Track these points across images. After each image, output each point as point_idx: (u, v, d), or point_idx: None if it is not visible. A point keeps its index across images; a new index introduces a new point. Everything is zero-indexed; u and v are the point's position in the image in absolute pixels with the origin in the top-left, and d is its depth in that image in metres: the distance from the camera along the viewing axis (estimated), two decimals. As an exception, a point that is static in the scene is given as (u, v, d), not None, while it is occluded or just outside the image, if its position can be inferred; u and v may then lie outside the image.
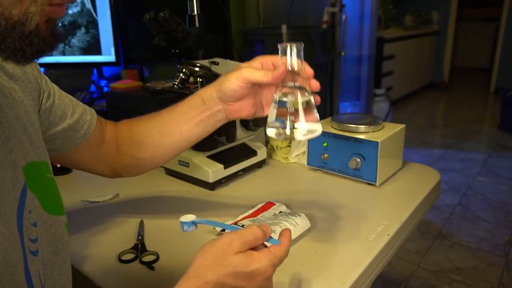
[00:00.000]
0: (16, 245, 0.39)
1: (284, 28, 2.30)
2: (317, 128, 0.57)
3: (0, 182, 0.39)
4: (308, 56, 0.53)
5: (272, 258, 0.46)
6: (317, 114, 0.57)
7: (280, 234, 0.50)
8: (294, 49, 0.55)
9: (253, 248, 0.47)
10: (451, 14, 5.62)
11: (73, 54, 1.54)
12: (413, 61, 5.18)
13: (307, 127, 0.55)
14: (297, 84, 0.56)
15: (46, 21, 0.36)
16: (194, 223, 0.53)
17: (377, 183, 0.88)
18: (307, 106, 0.56)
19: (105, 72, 1.77)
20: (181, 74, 0.91)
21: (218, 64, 0.92)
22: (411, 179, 0.94)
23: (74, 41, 1.53)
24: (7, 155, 0.42)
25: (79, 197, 0.87)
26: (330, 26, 2.56)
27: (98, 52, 1.55)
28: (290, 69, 0.55)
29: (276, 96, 0.56)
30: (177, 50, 0.88)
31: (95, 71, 1.73)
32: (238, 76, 0.58)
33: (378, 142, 0.85)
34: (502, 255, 1.96)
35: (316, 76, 0.59)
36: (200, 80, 0.96)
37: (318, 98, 0.58)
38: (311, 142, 0.96)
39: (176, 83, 0.91)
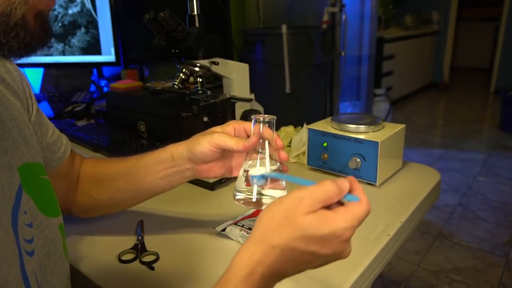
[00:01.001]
0: (11, 245, 0.39)
1: (284, 28, 2.30)
2: (283, 195, 0.59)
3: None
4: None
5: (349, 219, 0.40)
6: (284, 182, 0.59)
7: (353, 188, 0.43)
8: (267, 122, 0.57)
9: (328, 207, 0.41)
10: (451, 14, 5.62)
11: (73, 54, 1.54)
12: (413, 61, 5.18)
13: (273, 195, 0.57)
14: (266, 153, 0.58)
15: (36, 15, 0.35)
16: (263, 176, 0.54)
17: (377, 183, 0.88)
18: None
19: (105, 72, 1.77)
20: (181, 74, 0.91)
21: (218, 64, 0.92)
22: (411, 179, 0.94)
23: (74, 41, 1.53)
24: (2, 155, 0.42)
25: (79, 197, 0.87)
26: (330, 26, 2.56)
27: (98, 52, 1.55)
28: (261, 140, 0.58)
29: (246, 164, 0.59)
30: (177, 50, 0.88)
31: (95, 71, 1.73)
32: (210, 141, 0.59)
33: (378, 142, 0.85)
34: (502, 255, 1.96)
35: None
36: (200, 80, 0.96)
37: (286, 167, 0.60)
38: (311, 142, 0.96)
39: (176, 83, 0.91)
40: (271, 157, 0.58)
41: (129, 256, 0.66)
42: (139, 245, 0.69)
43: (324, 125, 0.96)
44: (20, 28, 0.33)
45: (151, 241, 0.71)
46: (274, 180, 0.57)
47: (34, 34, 0.35)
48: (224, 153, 0.63)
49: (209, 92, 0.98)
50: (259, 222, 0.42)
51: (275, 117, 0.58)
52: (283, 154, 0.60)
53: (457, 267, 1.89)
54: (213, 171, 0.64)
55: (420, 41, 5.27)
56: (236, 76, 0.97)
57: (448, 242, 2.09)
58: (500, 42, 5.24)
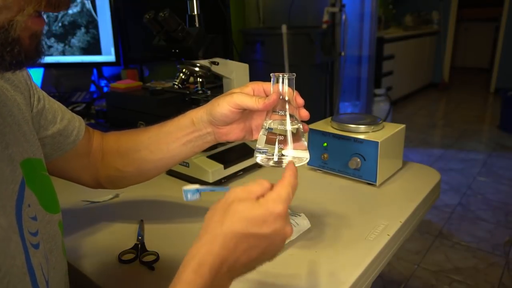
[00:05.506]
0: (14, 237, 0.39)
1: (284, 28, 2.30)
2: (305, 156, 0.58)
3: None
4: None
5: (275, 197, 0.44)
6: (305, 142, 0.58)
7: (286, 168, 0.49)
8: (286, 79, 0.56)
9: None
10: (451, 14, 5.62)
11: (73, 54, 1.54)
12: (413, 61, 5.18)
13: (295, 155, 0.56)
14: (287, 112, 0.57)
15: (30, 36, 0.36)
16: (198, 191, 0.53)
17: (377, 183, 0.88)
18: (296, 134, 0.57)
19: (105, 72, 1.77)
20: (181, 74, 0.91)
21: (218, 64, 0.92)
22: (411, 179, 0.94)
23: (74, 41, 1.53)
24: (4, 149, 0.42)
25: (79, 197, 0.87)
26: (330, 26, 2.56)
27: (98, 52, 1.55)
28: (281, 97, 0.57)
29: (266, 123, 0.58)
30: (177, 50, 0.88)
31: (95, 71, 1.73)
32: (229, 101, 0.59)
33: (378, 142, 0.85)
34: (502, 255, 1.96)
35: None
36: (200, 80, 0.96)
37: (306, 127, 0.60)
38: (311, 142, 0.96)
39: (176, 83, 0.91)
40: (291, 116, 0.57)
41: (129, 256, 0.66)
42: (139, 245, 0.69)
43: (324, 125, 0.96)
44: (16, 44, 0.35)
45: (151, 241, 0.71)
46: (297, 139, 0.56)
47: (28, 54, 0.36)
48: (244, 115, 0.63)
49: (209, 92, 0.98)
50: (204, 221, 0.45)
51: (295, 74, 0.57)
52: (304, 112, 0.59)
53: (457, 267, 1.89)
54: (234, 134, 0.64)
55: (420, 41, 5.27)
56: (236, 76, 0.97)
57: (448, 242, 2.09)
58: (500, 42, 5.24)
